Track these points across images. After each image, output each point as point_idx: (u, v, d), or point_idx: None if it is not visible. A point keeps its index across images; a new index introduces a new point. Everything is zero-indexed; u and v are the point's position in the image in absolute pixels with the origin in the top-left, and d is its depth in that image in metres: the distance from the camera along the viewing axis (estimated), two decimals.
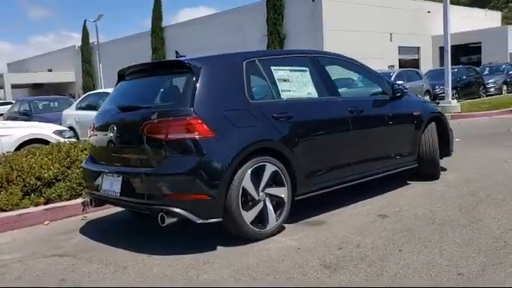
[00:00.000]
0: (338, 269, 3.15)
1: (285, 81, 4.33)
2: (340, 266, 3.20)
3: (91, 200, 4.35)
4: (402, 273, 3.01)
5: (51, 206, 5.13)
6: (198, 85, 3.72)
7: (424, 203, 4.66)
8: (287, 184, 4.03)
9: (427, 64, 33.85)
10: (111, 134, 3.99)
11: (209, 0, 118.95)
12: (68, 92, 45.23)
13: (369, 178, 4.90)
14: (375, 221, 4.18)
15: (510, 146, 7.77)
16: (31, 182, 5.18)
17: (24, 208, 5.02)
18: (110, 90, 10.90)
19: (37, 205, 5.12)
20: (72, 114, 11.35)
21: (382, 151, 5.03)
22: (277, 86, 4.23)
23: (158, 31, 40.24)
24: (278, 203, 3.98)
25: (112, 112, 4.18)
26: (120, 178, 3.88)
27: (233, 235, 3.83)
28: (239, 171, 3.69)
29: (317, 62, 4.65)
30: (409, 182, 5.60)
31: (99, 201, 4.33)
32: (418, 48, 36.01)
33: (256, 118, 3.88)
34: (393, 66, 31.89)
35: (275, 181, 3.95)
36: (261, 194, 3.86)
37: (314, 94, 4.49)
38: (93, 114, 10.84)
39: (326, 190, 4.43)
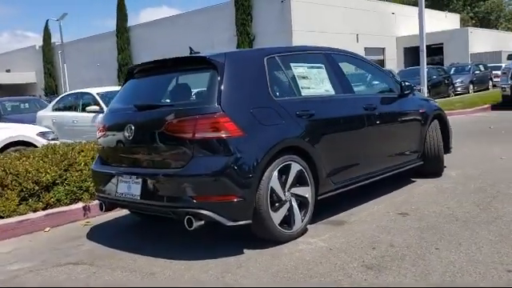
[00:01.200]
0: (382, 269, 3.07)
1: (304, 78, 4.23)
2: (382, 266, 3.13)
3: (101, 204, 4.13)
4: (450, 271, 2.96)
5: (51, 211, 4.84)
6: (223, 81, 3.57)
7: (438, 200, 4.66)
8: (311, 183, 3.93)
9: (391, 64, 34.54)
10: (128, 134, 3.78)
11: (171, 0, 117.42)
12: (29, 93, 43.66)
13: (382, 176, 4.86)
14: (397, 219, 4.14)
15: (496, 142, 7.96)
16: (28, 187, 4.87)
17: (23, 214, 4.72)
18: (90, 90, 10.56)
19: (35, 210, 4.83)
20: (48, 115, 10.88)
21: (393, 149, 5.01)
22: (297, 83, 4.13)
23: (123, 31, 39.45)
24: (302, 203, 3.87)
25: (127, 111, 3.96)
26: (140, 181, 3.68)
27: (259, 237, 3.70)
28: (267, 171, 3.57)
29: (331, 59, 4.58)
30: (413, 179, 5.61)
31: (112, 205, 4.11)
32: (384, 49, 36.74)
33: (281, 115, 3.77)
34: None
35: (299, 180, 3.85)
36: (287, 194, 3.75)
37: (331, 91, 4.41)
38: (71, 114, 10.60)
39: (343, 190, 4.35)
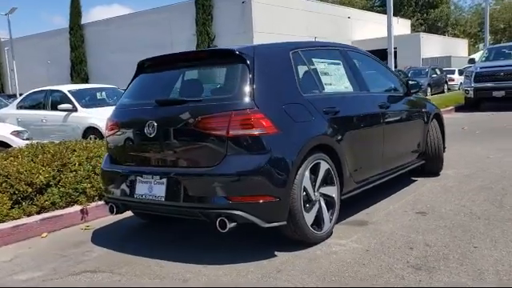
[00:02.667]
0: (432, 270, 2.99)
1: (325, 74, 4.12)
2: (430, 266, 3.05)
3: (112, 207, 3.84)
4: (502, 270, 2.92)
5: (48, 215, 4.47)
6: (254, 76, 3.38)
7: (449, 199, 4.66)
8: (337, 183, 3.82)
9: None
10: (149, 132, 3.52)
11: None
12: None
13: (393, 176, 4.83)
14: (418, 218, 4.09)
15: (476, 142, 8.16)
16: (21, 189, 4.48)
17: (16, 219, 4.33)
18: (61, 88, 10.02)
19: (29, 215, 4.45)
20: (12, 113, 10.23)
21: (402, 147, 5.00)
22: (320, 79, 4.01)
23: (76, 28, 38.08)
24: (329, 204, 3.75)
25: (146, 107, 3.68)
26: (164, 181, 3.43)
27: (290, 239, 3.54)
28: (300, 169, 3.42)
29: (346, 56, 4.50)
30: (413, 178, 5.63)
31: (126, 207, 3.83)
32: None
33: (310, 112, 3.63)
34: None
35: (327, 180, 3.72)
36: (316, 194, 3.61)
37: (350, 88, 4.32)
38: (40, 113, 10.00)
39: (362, 189, 4.27)
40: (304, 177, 3.45)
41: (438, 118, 5.82)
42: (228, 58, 3.60)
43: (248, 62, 3.43)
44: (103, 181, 4.04)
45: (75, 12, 38.31)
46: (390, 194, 4.95)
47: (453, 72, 27.75)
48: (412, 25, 49.79)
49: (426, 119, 5.44)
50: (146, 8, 35.85)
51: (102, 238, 4.19)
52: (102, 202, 4.84)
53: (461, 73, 28.04)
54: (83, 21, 38.91)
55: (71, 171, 4.86)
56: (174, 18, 31.93)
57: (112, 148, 3.93)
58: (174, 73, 3.91)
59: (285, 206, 3.31)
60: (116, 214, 3.90)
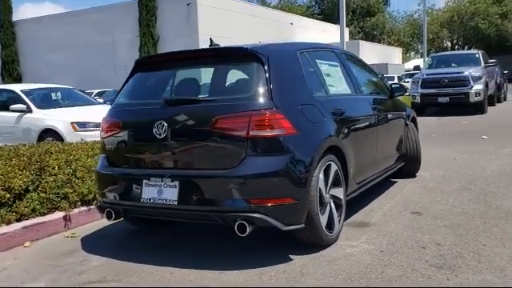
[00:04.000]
0: (454, 268, 3.04)
1: (327, 75, 4.11)
2: (451, 264, 3.10)
3: (110, 212, 3.60)
4: None
5: (29, 223, 4.13)
6: (270, 75, 3.30)
7: (436, 199, 4.80)
8: (343, 184, 3.81)
9: None
10: (158, 132, 3.33)
11: None
12: None
13: (383, 177, 4.91)
14: (416, 219, 4.17)
15: (435, 144, 8.50)
16: None
17: None
18: (12, 87, 9.36)
19: (8, 223, 4.08)
20: None
21: (391, 149, 5.11)
22: (324, 80, 3.99)
23: (7, 25, 35.84)
24: (337, 205, 3.73)
25: (153, 106, 3.49)
26: (176, 184, 3.26)
27: (303, 242, 3.49)
28: (316, 171, 3.37)
29: (341, 58, 4.53)
30: (392, 180, 5.75)
31: (127, 212, 3.61)
32: None
33: (321, 113, 3.60)
34: None
35: (335, 181, 3.71)
36: (327, 195, 3.58)
37: (348, 90, 4.35)
38: None
39: (359, 191, 4.29)
40: (319, 178, 3.41)
41: (414, 120, 6.01)
42: (240, 56, 3.49)
43: (263, 60, 3.35)
44: (99, 184, 3.78)
45: (5, 8, 36.06)
46: (376, 196, 5.02)
47: (392, 79, 28.88)
48: (350, 32, 51.40)
49: (405, 121, 5.59)
50: (81, 7, 34.30)
51: (93, 245, 3.92)
52: (85, 208, 4.57)
53: (399, 79, 29.31)
54: (14, 18, 36.78)
55: (50, 175, 4.52)
56: (115, 18, 30.91)
57: (110, 149, 3.68)
58: (180, 71, 3.74)
59: (304, 208, 3.25)
60: (114, 220, 3.67)
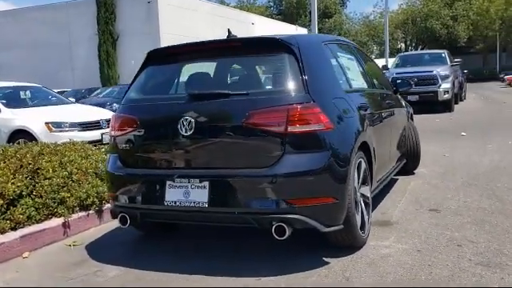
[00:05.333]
0: (500, 266, 2.94)
1: (348, 69, 3.94)
2: (496, 262, 3.00)
3: (125, 217, 3.30)
4: None
5: (26, 231, 3.75)
6: (304, 67, 3.09)
7: (446, 195, 4.74)
8: (369, 182, 3.66)
9: None
10: (184, 129, 3.05)
11: None
12: None
13: (393, 174, 4.81)
14: (436, 216, 4.08)
15: (424, 140, 8.49)
16: None
17: None
18: None
19: (3, 232, 3.68)
20: None
21: (399, 145, 5.01)
22: (347, 74, 3.82)
23: None
24: (366, 204, 3.57)
25: (176, 101, 3.21)
26: (206, 184, 3.00)
27: (340, 245, 3.30)
28: (352, 168, 3.20)
29: (354, 51, 4.38)
30: (393, 177, 5.67)
31: (145, 216, 3.30)
32: None
33: (351, 107, 3.43)
34: None
35: (364, 179, 3.54)
36: (358, 194, 3.41)
37: (364, 85, 4.21)
38: None
39: (378, 189, 4.16)
40: (354, 176, 3.23)
41: (411, 117, 5.96)
42: (270, 47, 3.27)
43: (295, 51, 3.13)
44: (112, 187, 3.45)
45: None
46: (385, 194, 4.89)
47: None
48: (308, 33, 51.99)
49: (407, 117, 5.53)
50: (29, 4, 32.65)
51: (103, 254, 3.59)
52: (83, 214, 4.21)
53: None
54: None
55: (45, 178, 4.13)
56: (72, 16, 29.74)
57: (125, 149, 3.35)
58: (201, 64, 3.48)
59: (343, 208, 3.06)
60: (129, 225, 3.36)
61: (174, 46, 3.51)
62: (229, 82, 3.44)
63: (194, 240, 3.85)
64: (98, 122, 7.97)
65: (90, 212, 4.26)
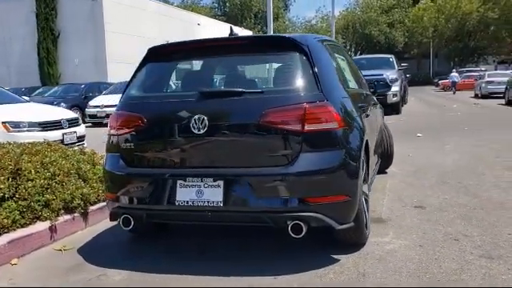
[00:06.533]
0: (502, 258, 3.10)
1: (344, 69, 4.01)
2: (497, 255, 3.16)
3: (128, 219, 3.18)
4: None
5: (14, 236, 3.51)
6: (315, 66, 3.12)
7: (427, 193, 4.93)
8: (368, 180, 3.74)
9: None
10: (197, 127, 2.98)
11: None
12: None
13: (374, 174, 4.94)
14: (424, 212, 4.23)
15: None
16: None
17: None
18: None
19: None
20: None
21: (380, 146, 5.14)
22: (345, 74, 3.89)
23: None
24: (366, 202, 3.65)
25: (186, 99, 3.12)
26: (221, 183, 2.94)
27: (347, 242, 3.35)
28: (361, 166, 3.25)
29: (344, 53, 4.47)
30: None
31: (151, 218, 3.20)
32: None
33: (355, 107, 3.49)
34: None
35: (364, 178, 3.62)
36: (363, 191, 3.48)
37: (356, 86, 4.29)
38: None
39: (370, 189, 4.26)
40: (362, 174, 3.30)
41: (383, 117, 6.15)
42: (281, 46, 3.26)
43: (306, 50, 3.16)
44: (112, 187, 3.30)
45: None
46: None
47: None
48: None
49: (382, 117, 5.70)
50: None
51: (100, 257, 3.42)
52: (69, 217, 4.01)
53: None
54: None
55: (28, 180, 3.89)
56: (9, 11, 28.19)
57: (129, 147, 3.22)
58: (209, 61, 3.40)
59: (355, 205, 3.11)
60: (131, 227, 3.23)
61: (179, 43, 3.42)
62: (240, 80, 3.39)
63: (193, 239, 3.77)
64: (58, 121, 7.60)
65: (76, 215, 4.06)
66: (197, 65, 3.42)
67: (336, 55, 3.98)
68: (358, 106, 3.63)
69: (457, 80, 32.27)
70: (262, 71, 3.47)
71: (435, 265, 3.04)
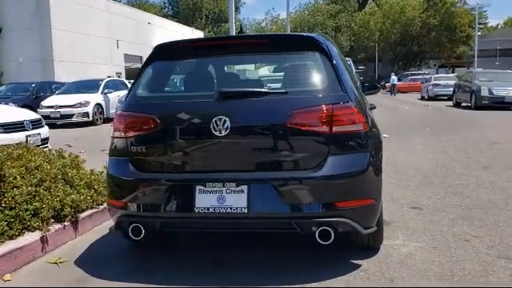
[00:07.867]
0: None
1: (350, 70, 3.94)
2: None
3: (138, 228, 2.95)
4: None
5: (5, 249, 3.17)
6: (335, 66, 3.03)
7: (415, 193, 4.98)
8: None
9: None
10: (218, 129, 2.80)
11: None
12: None
13: None
14: (423, 213, 4.25)
15: None
16: None
17: None
18: None
19: None
20: None
21: None
22: (353, 75, 3.82)
23: None
24: None
25: (204, 99, 2.92)
26: (244, 188, 2.78)
27: (364, 246, 3.27)
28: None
29: (341, 53, 4.40)
30: None
31: (165, 226, 2.98)
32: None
33: (368, 108, 3.43)
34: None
35: None
36: None
37: (358, 85, 4.23)
38: None
39: None
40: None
41: None
42: (301, 45, 3.14)
43: (325, 50, 3.06)
44: (118, 194, 3.04)
45: None
46: None
47: None
48: (205, 35, 51.91)
49: None
50: None
51: (104, 270, 3.16)
52: (59, 226, 3.70)
53: None
54: None
55: (13, 187, 3.56)
56: None
57: (139, 151, 2.98)
58: (224, 60, 3.22)
59: (379, 209, 3.05)
60: (141, 237, 2.99)
61: (191, 39, 3.24)
62: (262, 79, 3.25)
63: (186, 248, 3.57)
64: (21, 122, 7.09)
65: (66, 224, 3.76)
66: (213, 63, 3.24)
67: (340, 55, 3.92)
68: (370, 108, 3.59)
69: (395, 83, 34.35)
70: (285, 71, 3.33)
71: (458, 267, 3.02)
